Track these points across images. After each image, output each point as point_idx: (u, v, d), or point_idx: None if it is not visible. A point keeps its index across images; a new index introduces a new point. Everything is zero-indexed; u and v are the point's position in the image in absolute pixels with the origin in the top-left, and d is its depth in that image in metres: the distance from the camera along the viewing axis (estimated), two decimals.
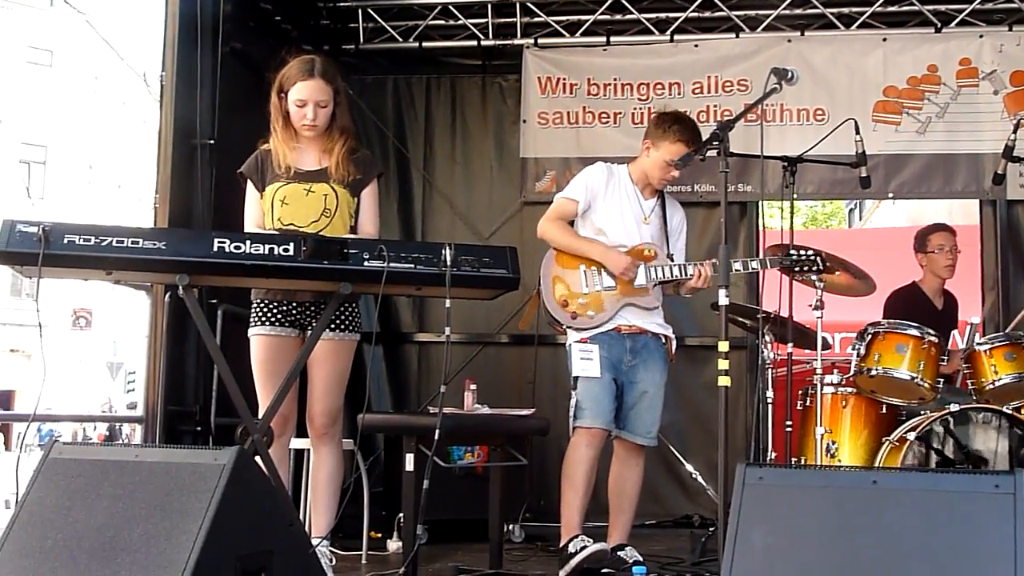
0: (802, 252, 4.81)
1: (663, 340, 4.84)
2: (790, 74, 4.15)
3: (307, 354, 4.01)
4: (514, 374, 7.22)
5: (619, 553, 4.70)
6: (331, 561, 4.27)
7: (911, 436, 4.91)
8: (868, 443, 5.32)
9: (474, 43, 7.47)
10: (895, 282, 6.17)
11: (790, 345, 5.04)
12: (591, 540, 4.51)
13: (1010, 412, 4.95)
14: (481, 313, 7.05)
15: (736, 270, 4.69)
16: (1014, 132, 5.36)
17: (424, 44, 7.51)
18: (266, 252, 3.62)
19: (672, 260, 4.85)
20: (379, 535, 5.90)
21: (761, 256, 5.20)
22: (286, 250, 3.64)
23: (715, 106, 7.12)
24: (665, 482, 6.98)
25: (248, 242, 3.64)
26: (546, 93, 7.33)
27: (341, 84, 4.41)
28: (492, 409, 5.48)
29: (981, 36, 7.00)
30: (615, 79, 7.29)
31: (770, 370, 5.42)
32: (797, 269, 4.83)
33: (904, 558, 2.56)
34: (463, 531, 5.71)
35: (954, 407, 4.94)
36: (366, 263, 3.69)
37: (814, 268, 4.81)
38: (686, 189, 6.88)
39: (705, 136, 4.46)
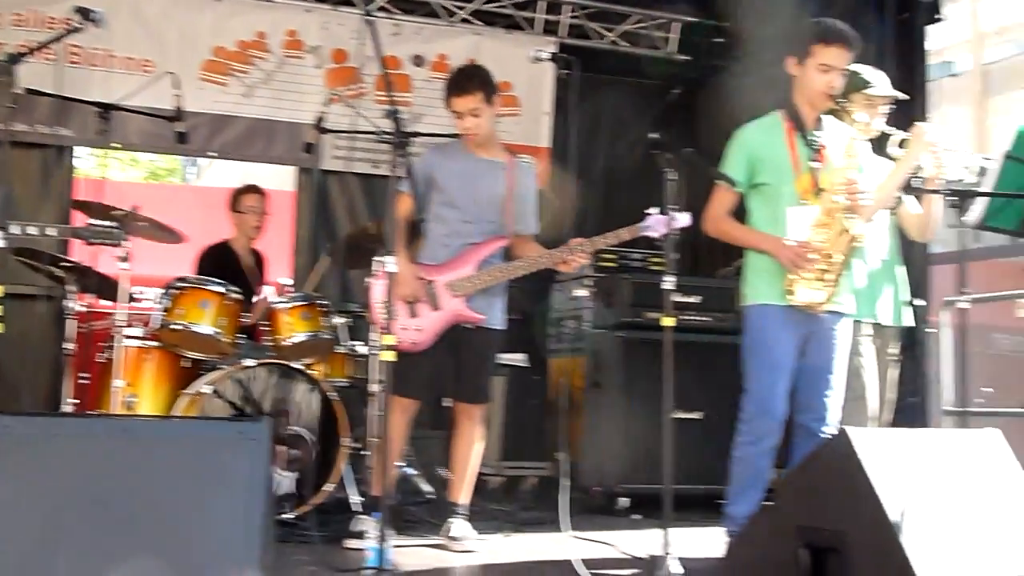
0: (100, 226, 4.60)
1: None
2: (94, 14, 4.02)
3: None
4: None
5: None
6: None
7: (207, 389, 5.03)
8: (169, 397, 5.34)
9: None
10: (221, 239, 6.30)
11: (92, 297, 4.94)
12: None
13: (300, 367, 5.26)
14: None
15: (30, 234, 4.37)
16: (325, 105, 5.69)
17: None
18: None
19: None
20: None
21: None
22: None
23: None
24: None
25: None
26: None
27: None
28: None
29: (308, 11, 7.31)
30: None
31: (73, 322, 5.24)
32: (95, 241, 4.65)
33: (150, 504, 2.60)
34: None
35: (249, 362, 5.16)
36: None
37: (109, 241, 4.64)
38: None
39: None
